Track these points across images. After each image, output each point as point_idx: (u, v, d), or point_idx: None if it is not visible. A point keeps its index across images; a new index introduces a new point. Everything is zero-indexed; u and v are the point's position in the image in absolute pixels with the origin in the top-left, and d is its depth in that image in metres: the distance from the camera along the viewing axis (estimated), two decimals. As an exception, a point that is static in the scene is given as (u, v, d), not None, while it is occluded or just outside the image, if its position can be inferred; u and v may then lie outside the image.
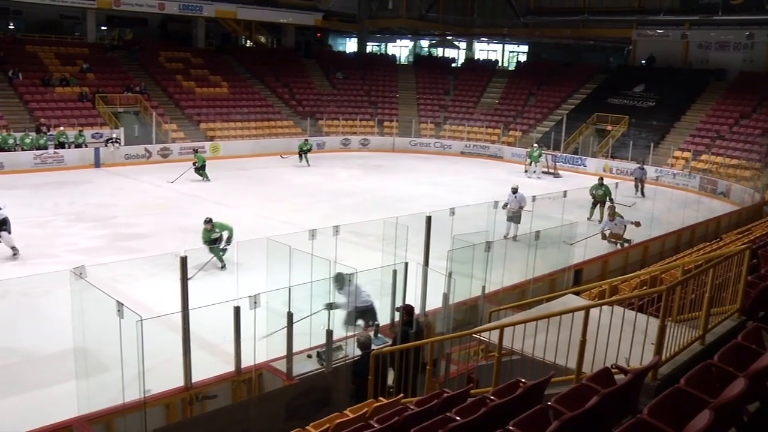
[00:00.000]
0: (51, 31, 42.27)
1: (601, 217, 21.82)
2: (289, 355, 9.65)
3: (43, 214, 22.18)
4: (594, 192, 23.23)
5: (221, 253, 16.31)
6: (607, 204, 22.22)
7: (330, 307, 10.18)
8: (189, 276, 12.74)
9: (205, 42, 46.40)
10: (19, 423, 8.82)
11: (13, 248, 17.12)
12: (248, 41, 51.39)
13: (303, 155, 34.04)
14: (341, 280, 10.63)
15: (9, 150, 30.22)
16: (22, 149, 30.61)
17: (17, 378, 10.91)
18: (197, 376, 9.35)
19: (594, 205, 23.13)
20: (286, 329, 9.56)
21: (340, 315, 10.84)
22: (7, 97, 34.18)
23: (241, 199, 25.91)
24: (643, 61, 45.13)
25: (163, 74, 40.96)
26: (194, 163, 28.97)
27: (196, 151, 30.57)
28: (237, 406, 9.10)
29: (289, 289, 9.31)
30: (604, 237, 19.59)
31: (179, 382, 9.29)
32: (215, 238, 16.30)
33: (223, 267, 16.28)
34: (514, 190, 20.95)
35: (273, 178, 30.55)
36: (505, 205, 20.11)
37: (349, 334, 10.49)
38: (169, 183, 27.98)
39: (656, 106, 40.24)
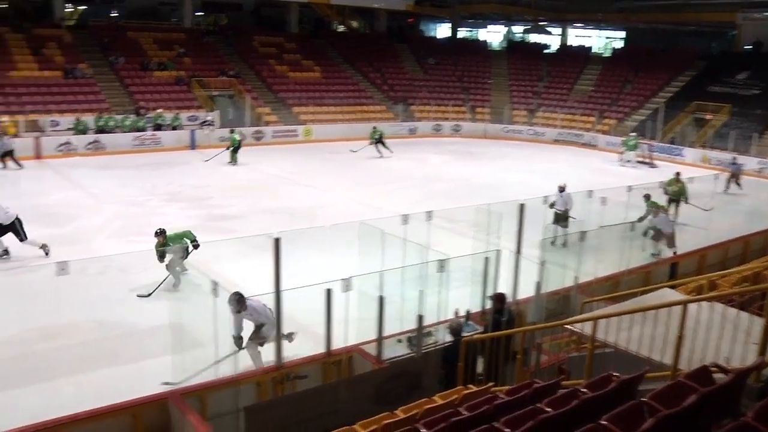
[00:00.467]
0: (150, 18, 43.53)
1: (676, 215, 20.36)
2: (380, 339, 9.66)
3: (142, 193, 22.90)
4: (668, 188, 21.20)
5: (180, 262, 14.14)
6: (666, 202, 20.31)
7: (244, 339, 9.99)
8: (147, 293, 12.77)
9: (298, 27, 46.87)
10: (117, 394, 9.13)
11: (5, 251, 15.72)
12: (341, 26, 51.67)
13: (378, 145, 32.33)
14: (239, 302, 9.89)
15: (110, 132, 31.37)
16: (123, 131, 31.72)
17: (116, 351, 11.27)
18: (288, 356, 9.47)
19: (669, 202, 20.88)
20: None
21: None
22: (110, 81, 35.41)
23: (333, 182, 26.14)
24: (749, 47, 43.15)
25: (257, 59, 41.61)
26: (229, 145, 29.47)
27: (232, 131, 30.97)
28: (327, 388, 9.15)
29: (381, 273, 9.30)
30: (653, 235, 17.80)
31: (270, 361, 9.42)
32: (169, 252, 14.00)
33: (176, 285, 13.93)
34: (561, 189, 18.31)
35: (364, 162, 30.66)
36: (552, 205, 18.19)
37: (441, 319, 10.42)
38: (205, 162, 28.81)
39: (762, 94, 38.33)
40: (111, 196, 22.25)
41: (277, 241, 8.72)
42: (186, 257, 14.18)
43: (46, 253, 15.47)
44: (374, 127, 33.64)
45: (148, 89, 35.56)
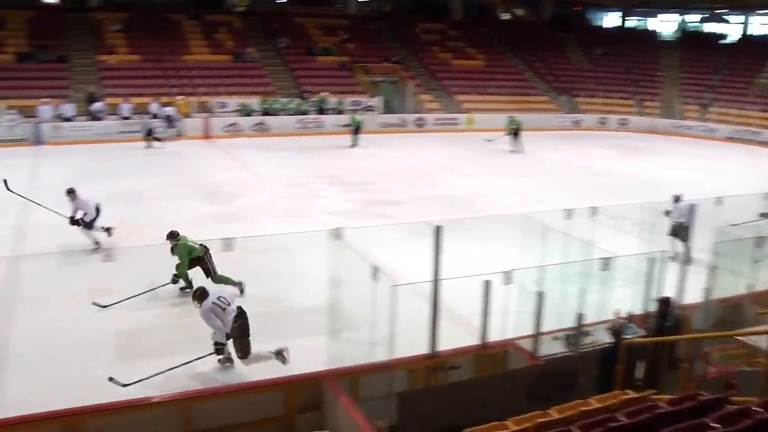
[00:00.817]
0: (315, 4, 44.70)
1: None
2: (537, 335, 9.45)
3: (304, 175, 23.59)
4: None
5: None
6: None
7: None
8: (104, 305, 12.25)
9: (462, 14, 46.66)
10: (272, 368, 9.42)
11: (96, 243, 14.96)
12: (505, 14, 51.00)
13: (514, 136, 30.49)
14: (202, 296, 9.69)
15: (275, 114, 32.55)
16: (287, 114, 32.84)
17: (275, 326, 11.58)
18: (442, 346, 9.42)
19: None
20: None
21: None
22: (275, 65, 36.78)
23: (494, 172, 25.93)
24: None
25: (420, 46, 41.82)
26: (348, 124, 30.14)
27: (354, 111, 31.09)
28: (480, 380, 9.05)
29: (542, 268, 9.08)
30: None
31: (424, 349, 9.40)
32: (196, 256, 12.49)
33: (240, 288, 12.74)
34: (677, 198, 15.86)
35: (526, 154, 30.11)
36: (668, 213, 15.63)
37: (601, 319, 10.06)
38: (340, 127, 30.70)
39: None
40: (274, 177, 23.06)
41: (438, 228, 8.67)
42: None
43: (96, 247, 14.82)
44: (511, 117, 31.67)
45: (312, 73, 36.56)
